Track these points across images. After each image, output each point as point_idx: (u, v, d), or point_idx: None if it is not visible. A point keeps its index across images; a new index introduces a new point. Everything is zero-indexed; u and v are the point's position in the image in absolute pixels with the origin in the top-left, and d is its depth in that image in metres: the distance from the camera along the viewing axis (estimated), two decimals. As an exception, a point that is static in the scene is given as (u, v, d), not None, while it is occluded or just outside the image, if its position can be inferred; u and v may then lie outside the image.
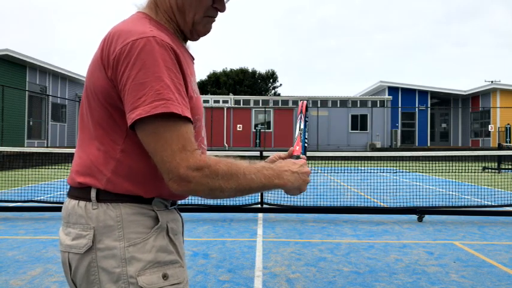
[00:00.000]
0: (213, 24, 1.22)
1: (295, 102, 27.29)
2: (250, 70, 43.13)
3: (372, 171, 12.39)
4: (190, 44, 1.27)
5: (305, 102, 1.42)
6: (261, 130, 24.54)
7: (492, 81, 27.96)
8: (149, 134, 0.99)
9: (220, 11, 1.20)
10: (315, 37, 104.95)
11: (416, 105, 27.88)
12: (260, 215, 6.46)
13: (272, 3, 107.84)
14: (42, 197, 7.50)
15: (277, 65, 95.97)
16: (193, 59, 1.25)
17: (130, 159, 1.07)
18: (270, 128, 25.16)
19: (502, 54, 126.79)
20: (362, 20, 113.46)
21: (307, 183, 1.17)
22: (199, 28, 1.19)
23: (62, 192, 8.78)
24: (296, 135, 1.34)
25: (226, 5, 1.20)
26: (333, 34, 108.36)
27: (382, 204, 7.65)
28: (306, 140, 1.35)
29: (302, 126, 1.35)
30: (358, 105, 27.38)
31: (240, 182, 1.03)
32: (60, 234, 1.14)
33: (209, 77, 43.05)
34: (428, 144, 27.58)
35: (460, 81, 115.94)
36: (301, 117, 1.37)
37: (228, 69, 43.10)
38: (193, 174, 0.98)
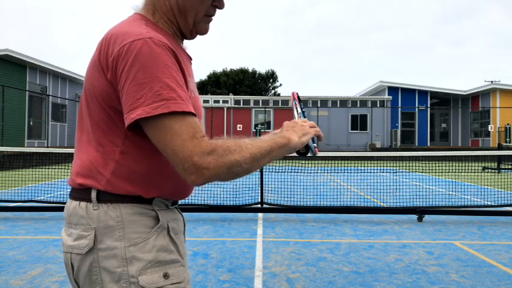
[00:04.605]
0: (214, 24, 1.24)
1: (295, 102, 27.27)
2: (250, 70, 43.15)
3: (372, 171, 12.38)
4: (188, 44, 1.27)
5: (295, 91, 1.46)
6: (261, 130, 24.55)
7: (492, 81, 27.96)
8: (157, 130, 0.99)
9: (219, 8, 1.21)
10: (314, 37, 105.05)
11: (416, 105, 27.89)
12: (260, 215, 6.46)
13: (273, 3, 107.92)
14: (42, 197, 7.50)
15: (277, 65, 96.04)
16: (191, 59, 1.26)
17: (129, 160, 1.08)
18: (270, 128, 25.16)
19: (499, 53, 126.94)
20: (360, 20, 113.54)
21: (310, 128, 1.21)
22: (200, 27, 1.20)
23: (62, 192, 8.78)
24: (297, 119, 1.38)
25: (224, 2, 1.21)
26: (332, 34, 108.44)
27: (382, 204, 7.66)
28: None
29: (300, 111, 1.40)
30: (358, 105, 27.39)
31: (250, 150, 1.03)
32: (63, 235, 1.15)
33: (209, 77, 43.06)
34: (428, 144, 27.58)
35: (458, 80, 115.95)
36: (295, 103, 1.41)
37: (228, 69, 43.11)
38: (208, 160, 0.97)
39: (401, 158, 12.99)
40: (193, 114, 1.02)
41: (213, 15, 1.21)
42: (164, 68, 1.00)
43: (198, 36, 1.25)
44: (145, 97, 0.98)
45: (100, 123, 1.09)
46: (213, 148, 0.98)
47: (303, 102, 26.54)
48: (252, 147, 1.04)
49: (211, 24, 1.24)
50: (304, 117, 1.40)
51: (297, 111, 1.38)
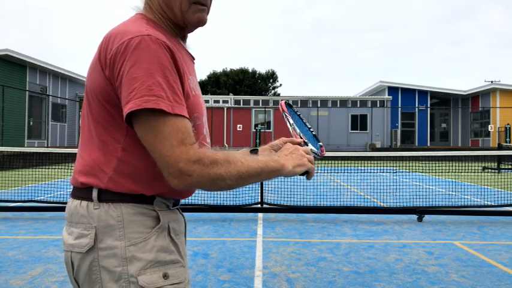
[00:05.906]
0: (214, 24, 1.22)
1: (295, 102, 27.31)
2: (250, 70, 43.13)
3: (372, 171, 12.39)
4: (191, 44, 1.28)
5: (282, 101, 1.45)
6: (261, 130, 24.53)
7: (492, 81, 27.95)
8: (147, 130, 1.00)
9: None
10: (312, 37, 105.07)
11: (416, 105, 27.88)
12: (260, 215, 6.46)
13: (273, 3, 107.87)
14: (42, 197, 7.50)
15: (277, 64, 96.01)
16: (194, 58, 1.26)
17: (131, 157, 1.08)
18: (270, 128, 25.16)
19: (499, 53, 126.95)
20: (357, 20, 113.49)
21: (306, 160, 1.18)
22: (189, 17, 1.18)
23: (62, 192, 8.78)
24: (291, 132, 1.38)
25: None
26: (329, 34, 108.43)
27: (382, 204, 7.66)
28: (313, 132, 1.37)
29: (291, 121, 1.39)
30: (358, 105, 27.38)
31: (239, 168, 1.03)
32: (64, 233, 1.16)
33: (209, 77, 43.05)
34: (428, 144, 27.58)
35: (458, 80, 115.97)
36: (285, 115, 1.40)
37: (228, 69, 43.10)
38: (193, 168, 0.98)
39: (401, 158, 12.99)
40: (185, 117, 1.02)
41: (201, 2, 1.18)
42: (158, 66, 1.01)
43: (200, 29, 1.25)
44: (137, 90, 0.98)
45: (100, 120, 1.09)
46: (200, 157, 0.99)
47: (303, 102, 25.98)
48: (241, 166, 1.03)
49: (210, 24, 1.23)
50: (301, 119, 1.41)
51: (289, 123, 1.38)
